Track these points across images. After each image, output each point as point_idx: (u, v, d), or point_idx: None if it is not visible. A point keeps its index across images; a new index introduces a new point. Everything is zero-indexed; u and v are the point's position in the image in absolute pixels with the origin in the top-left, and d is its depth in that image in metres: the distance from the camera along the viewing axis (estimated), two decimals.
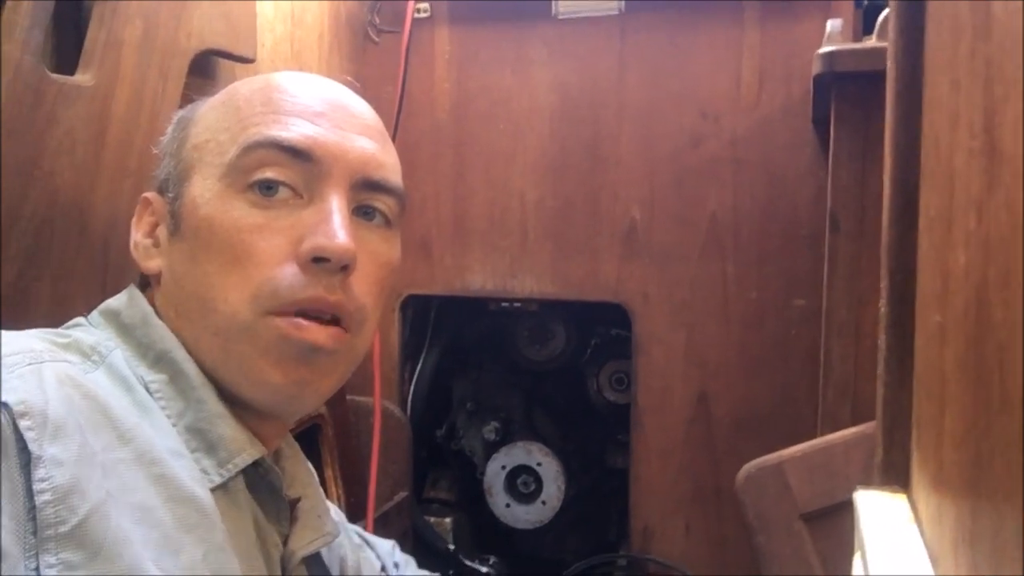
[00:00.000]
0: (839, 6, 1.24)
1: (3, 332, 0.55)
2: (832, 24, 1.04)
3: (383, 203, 0.67)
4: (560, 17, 1.40)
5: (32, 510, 0.47)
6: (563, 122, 1.41)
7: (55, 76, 0.77)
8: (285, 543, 0.68)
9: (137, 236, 0.68)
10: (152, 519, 0.53)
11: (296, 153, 0.62)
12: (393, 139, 0.75)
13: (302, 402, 0.66)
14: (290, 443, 0.75)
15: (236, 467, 0.61)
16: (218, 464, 0.61)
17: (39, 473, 0.48)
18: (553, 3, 1.40)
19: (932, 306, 0.35)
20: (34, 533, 0.47)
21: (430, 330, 1.59)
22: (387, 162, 0.68)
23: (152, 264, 0.67)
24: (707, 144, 1.34)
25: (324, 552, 0.76)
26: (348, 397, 1.32)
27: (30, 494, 0.48)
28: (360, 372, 0.79)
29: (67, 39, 0.84)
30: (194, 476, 0.58)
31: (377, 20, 1.47)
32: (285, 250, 0.61)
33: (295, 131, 0.63)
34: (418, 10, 1.42)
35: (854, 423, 0.93)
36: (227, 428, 0.62)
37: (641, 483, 1.40)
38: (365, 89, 1.43)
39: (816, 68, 0.96)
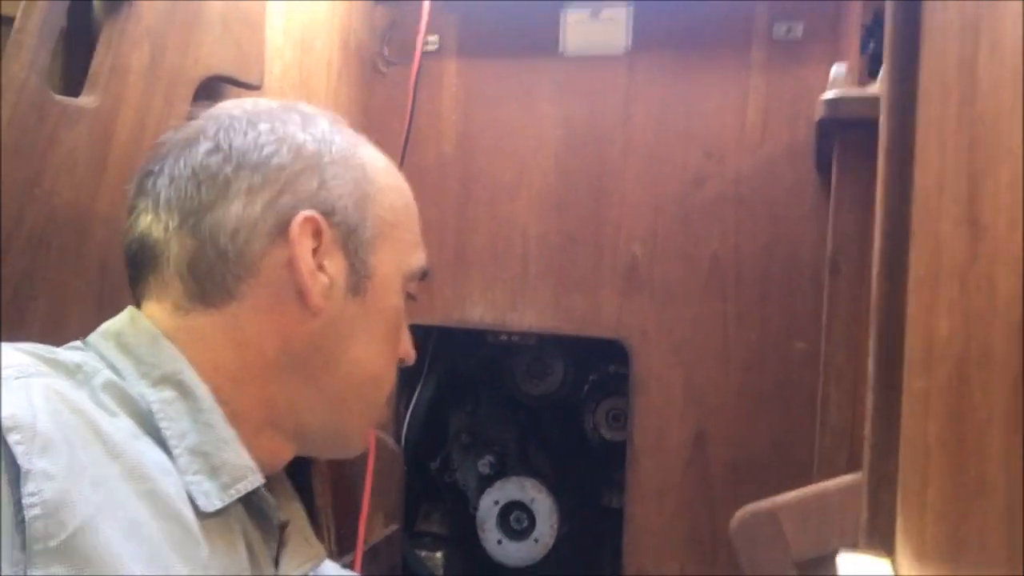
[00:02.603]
0: (845, 49, 1.25)
1: None
2: (836, 69, 1.04)
3: None
4: (567, 55, 1.41)
5: (21, 524, 0.47)
6: (568, 158, 1.41)
7: (59, 97, 0.78)
8: (276, 566, 0.68)
9: (309, 260, 0.66)
10: (141, 534, 0.53)
11: (423, 277, 0.78)
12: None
13: None
14: None
15: (238, 492, 0.62)
16: (220, 488, 0.61)
17: (28, 487, 0.48)
18: (560, 40, 1.41)
19: (917, 370, 0.34)
20: (22, 547, 0.47)
21: (427, 360, 1.58)
22: None
23: (322, 303, 0.67)
24: (710, 183, 1.34)
25: None
26: None
27: (19, 508, 0.47)
28: None
29: (78, 62, 0.85)
30: (180, 494, 0.58)
31: (386, 51, 1.48)
32: None
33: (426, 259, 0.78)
34: (427, 43, 1.43)
35: (851, 470, 0.92)
36: (232, 454, 0.62)
37: (635, 524, 1.39)
38: (372, 120, 1.45)
39: (819, 113, 0.96)
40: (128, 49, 0.85)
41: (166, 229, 0.65)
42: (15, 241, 0.73)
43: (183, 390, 0.62)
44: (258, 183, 0.66)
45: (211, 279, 0.65)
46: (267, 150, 0.67)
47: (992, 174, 0.25)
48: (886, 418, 0.36)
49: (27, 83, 0.73)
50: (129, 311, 0.67)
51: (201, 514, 0.59)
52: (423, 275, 0.78)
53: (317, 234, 0.66)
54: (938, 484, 0.30)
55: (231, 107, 0.71)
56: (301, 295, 0.66)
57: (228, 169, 0.66)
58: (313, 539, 0.75)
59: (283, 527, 0.70)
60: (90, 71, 0.83)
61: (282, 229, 0.65)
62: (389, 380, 0.75)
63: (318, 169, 0.68)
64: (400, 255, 0.73)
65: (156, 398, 0.61)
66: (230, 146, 0.67)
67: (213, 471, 0.61)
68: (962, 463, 0.28)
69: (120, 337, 0.64)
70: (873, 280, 0.37)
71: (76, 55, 0.86)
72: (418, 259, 0.76)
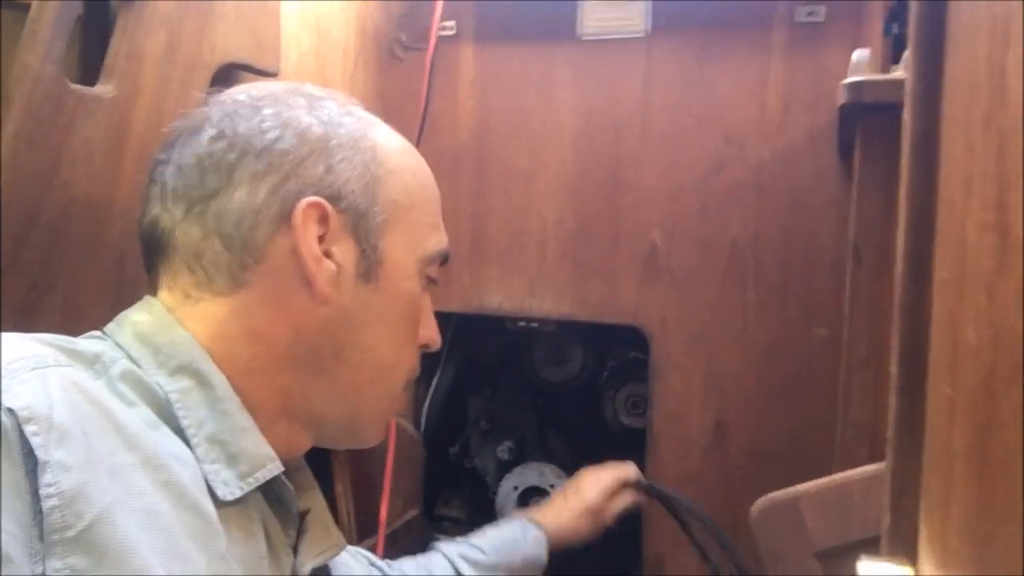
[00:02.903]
0: (867, 33, 1.23)
1: (7, 336, 0.55)
2: (859, 54, 1.02)
3: None
4: (585, 38, 1.39)
5: (38, 515, 0.47)
6: (585, 143, 1.40)
7: (75, 87, 0.77)
8: (295, 554, 0.68)
9: (313, 246, 0.65)
10: (159, 525, 0.53)
11: (444, 261, 0.77)
12: None
13: None
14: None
15: (257, 481, 0.62)
16: (239, 476, 0.61)
17: (46, 478, 0.48)
18: (578, 24, 1.39)
19: (943, 375, 0.33)
20: (40, 538, 0.47)
21: (446, 347, 1.58)
22: None
23: (330, 291, 0.66)
24: (730, 169, 1.32)
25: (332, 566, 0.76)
26: None
27: (36, 499, 0.48)
28: None
29: (94, 50, 0.85)
30: (198, 484, 0.58)
31: (403, 37, 1.47)
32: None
33: (447, 242, 0.77)
34: (443, 28, 1.42)
35: (872, 460, 0.91)
36: (250, 442, 0.62)
37: (655, 513, 1.38)
38: (389, 105, 1.45)
39: (842, 98, 0.94)
40: (144, 37, 0.85)
41: (173, 218, 0.65)
42: (32, 232, 0.74)
43: (200, 379, 0.62)
44: (262, 169, 0.65)
45: (217, 267, 0.64)
46: (271, 135, 0.66)
47: (1022, 183, 0.25)
48: (909, 421, 0.35)
49: (43, 73, 0.73)
50: (146, 300, 0.67)
51: (220, 503, 0.59)
52: (443, 259, 0.76)
53: (323, 220, 0.65)
54: (963, 496, 0.30)
55: (237, 92, 0.71)
56: (307, 283, 0.65)
57: (232, 156, 0.65)
58: (333, 528, 0.75)
59: (303, 515, 0.70)
60: (106, 60, 0.82)
61: (287, 216, 0.64)
62: (406, 367, 0.74)
63: (325, 153, 0.67)
64: (415, 239, 0.72)
65: (173, 387, 0.61)
66: (234, 132, 0.66)
67: (231, 460, 0.61)
68: (988, 480, 0.27)
69: (137, 326, 0.64)
70: (896, 280, 0.36)
71: (92, 43, 0.86)
72: (436, 242, 0.74)
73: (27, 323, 0.72)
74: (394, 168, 0.71)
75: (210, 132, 0.66)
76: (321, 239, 0.65)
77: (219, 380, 0.62)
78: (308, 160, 0.66)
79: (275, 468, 0.64)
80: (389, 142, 0.72)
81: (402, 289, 0.71)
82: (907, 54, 0.92)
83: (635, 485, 1.22)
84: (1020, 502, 0.24)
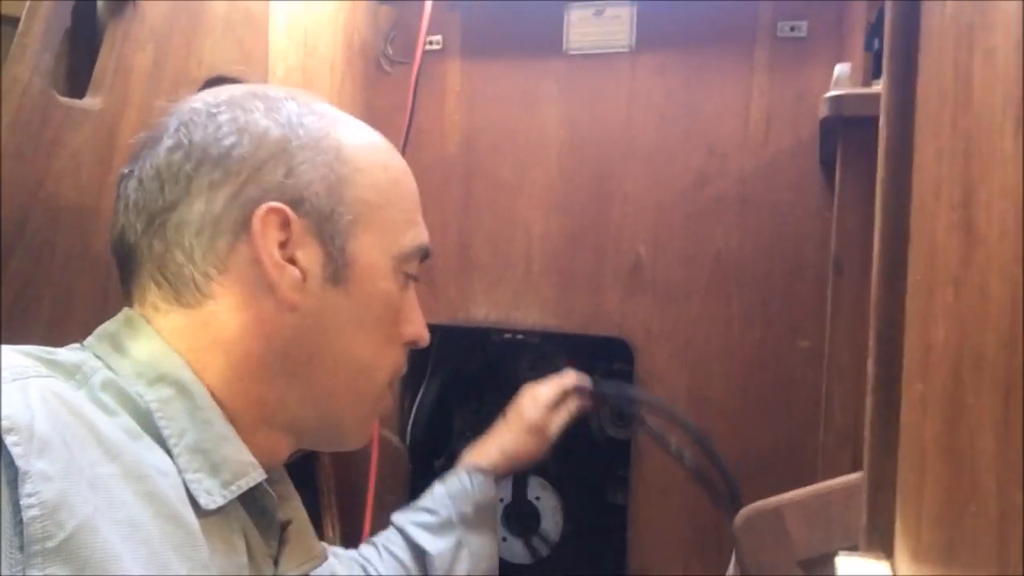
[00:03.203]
0: (849, 48, 1.24)
1: None
2: (840, 68, 1.04)
3: None
4: (570, 53, 1.41)
5: (19, 525, 0.47)
6: (571, 157, 1.41)
7: (63, 99, 0.78)
8: (276, 564, 0.68)
9: (273, 253, 0.63)
10: (141, 535, 0.53)
11: (424, 257, 0.74)
12: None
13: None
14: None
15: (240, 488, 0.62)
16: (222, 485, 0.61)
17: (26, 488, 0.47)
18: (564, 39, 1.41)
19: (915, 373, 0.34)
20: (20, 548, 0.47)
21: (431, 359, 1.58)
22: None
23: (295, 297, 0.64)
24: (714, 182, 1.34)
25: None
26: None
27: (17, 509, 0.47)
28: None
29: (81, 62, 0.85)
30: (179, 494, 0.58)
31: (390, 51, 1.48)
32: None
33: (428, 237, 0.74)
34: (430, 42, 1.43)
35: (854, 469, 0.92)
36: (232, 450, 0.62)
37: (640, 521, 1.39)
38: (376, 119, 1.45)
39: (823, 112, 0.96)
40: (132, 50, 0.85)
41: (136, 232, 0.64)
42: (19, 243, 0.74)
43: (180, 388, 0.61)
44: (219, 177, 0.63)
45: (182, 280, 0.63)
46: (227, 142, 0.64)
47: (986, 182, 0.26)
48: (885, 421, 0.36)
49: (31, 85, 0.74)
50: (124, 312, 0.66)
51: (201, 513, 0.59)
52: (424, 254, 0.74)
53: (285, 225, 0.64)
54: (934, 487, 0.31)
55: (194, 99, 0.69)
56: (272, 290, 0.64)
57: (189, 166, 0.64)
58: (314, 540, 0.74)
59: (284, 526, 0.70)
60: (94, 73, 0.83)
61: (247, 224, 0.63)
62: (387, 367, 0.72)
63: (284, 156, 0.65)
64: (389, 236, 0.70)
65: (154, 397, 0.60)
66: (190, 141, 0.64)
67: (214, 468, 0.60)
68: (956, 468, 0.28)
69: (115, 338, 0.64)
70: (872, 283, 0.37)
71: (79, 55, 0.86)
72: (412, 238, 0.72)
73: (14, 333, 0.72)
74: (361, 166, 0.69)
75: (168, 143, 0.65)
76: (284, 244, 0.64)
77: (199, 389, 0.62)
78: (267, 165, 0.64)
79: (258, 476, 0.63)
80: (355, 139, 0.70)
81: (376, 289, 0.69)
82: (883, 73, 0.93)
83: (578, 390, 1.22)
84: (984, 483, 0.25)
